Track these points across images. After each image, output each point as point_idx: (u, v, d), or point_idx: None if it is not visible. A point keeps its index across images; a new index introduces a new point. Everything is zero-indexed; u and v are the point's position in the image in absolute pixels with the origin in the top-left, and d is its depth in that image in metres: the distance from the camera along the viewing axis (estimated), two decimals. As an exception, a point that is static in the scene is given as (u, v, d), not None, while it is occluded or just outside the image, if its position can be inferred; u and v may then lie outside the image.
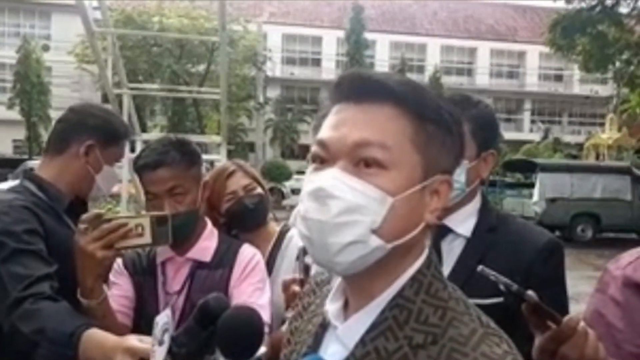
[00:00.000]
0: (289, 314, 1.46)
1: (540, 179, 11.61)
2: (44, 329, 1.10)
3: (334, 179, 0.61)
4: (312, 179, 0.64)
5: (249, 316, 1.07)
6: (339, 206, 0.60)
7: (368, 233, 0.61)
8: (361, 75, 0.64)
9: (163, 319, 1.02)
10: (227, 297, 1.36)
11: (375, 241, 0.61)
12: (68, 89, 21.55)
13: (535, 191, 11.58)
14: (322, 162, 0.64)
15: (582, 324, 0.85)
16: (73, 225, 1.40)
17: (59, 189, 1.39)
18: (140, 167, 1.35)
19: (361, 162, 0.62)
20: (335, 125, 0.64)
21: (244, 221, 1.62)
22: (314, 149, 0.66)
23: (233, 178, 1.63)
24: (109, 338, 1.06)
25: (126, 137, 1.51)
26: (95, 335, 1.08)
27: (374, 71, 0.66)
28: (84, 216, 1.17)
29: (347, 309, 0.68)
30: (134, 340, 1.03)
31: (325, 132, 0.64)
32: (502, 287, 0.83)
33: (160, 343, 0.99)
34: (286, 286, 1.22)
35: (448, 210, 1.18)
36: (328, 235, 0.61)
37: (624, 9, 14.79)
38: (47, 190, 1.38)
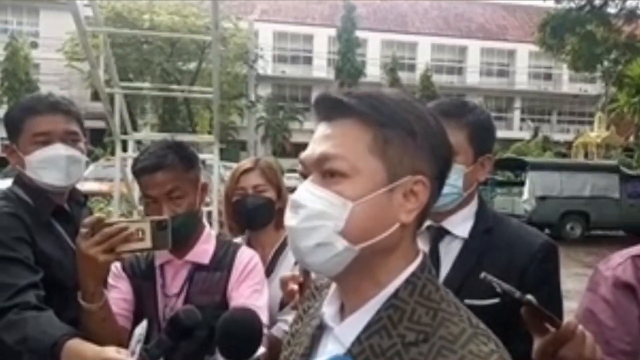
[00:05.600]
0: (284, 316, 1.49)
1: (530, 177, 11.69)
2: (27, 339, 1.12)
3: (304, 190, 0.69)
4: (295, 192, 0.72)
5: (248, 317, 1.08)
6: (305, 213, 0.68)
7: (334, 236, 0.66)
8: (325, 96, 0.71)
9: (139, 330, 1.04)
10: (225, 299, 1.38)
11: (342, 243, 0.66)
12: (57, 86, 21.23)
13: (525, 189, 11.65)
14: (305, 177, 0.72)
15: (580, 326, 0.88)
16: (61, 229, 1.41)
17: (46, 193, 1.39)
18: (139, 171, 1.35)
19: (327, 173, 0.68)
20: (311, 143, 0.72)
21: (243, 219, 1.65)
22: (300, 167, 0.74)
23: (247, 175, 1.65)
24: (89, 348, 1.09)
25: (27, 115, 1.38)
26: (77, 345, 1.10)
27: (337, 90, 0.71)
28: (86, 220, 1.17)
29: (343, 312, 0.72)
30: (112, 351, 1.06)
31: (305, 151, 0.72)
32: (499, 290, 0.85)
33: (133, 353, 1.02)
34: (284, 283, 1.23)
35: (446, 214, 1.20)
36: (298, 240, 0.68)
37: (612, 9, 14.95)
38: (34, 195, 1.39)
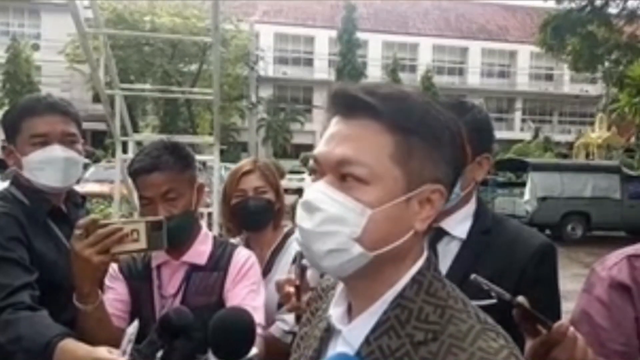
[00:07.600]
0: (283, 315, 1.49)
1: (531, 178, 11.68)
2: (20, 339, 1.12)
3: (319, 192, 0.67)
4: (307, 191, 0.69)
5: (240, 317, 1.07)
6: (321, 217, 0.66)
7: (349, 242, 0.65)
8: (347, 91, 0.67)
9: (130, 329, 1.04)
10: (222, 299, 1.37)
11: (358, 249, 0.65)
12: (58, 88, 21.27)
13: (527, 190, 11.65)
14: (315, 172, 0.70)
15: (571, 329, 0.87)
16: (57, 230, 1.40)
17: (43, 194, 1.38)
18: (135, 172, 1.35)
19: (345, 177, 0.66)
20: (326, 140, 0.69)
21: (244, 221, 1.65)
22: (311, 162, 0.71)
23: (247, 177, 1.65)
24: (81, 348, 1.09)
25: (24, 116, 1.38)
26: (69, 345, 1.10)
27: (361, 86, 0.68)
28: (80, 221, 1.17)
29: (350, 313, 0.72)
30: (103, 351, 1.06)
31: (319, 147, 0.70)
32: (493, 294, 0.84)
33: (124, 353, 1.02)
34: (280, 286, 1.23)
35: (444, 214, 1.19)
36: (312, 243, 0.67)
37: (613, 10, 14.95)
38: (31, 196, 1.38)
